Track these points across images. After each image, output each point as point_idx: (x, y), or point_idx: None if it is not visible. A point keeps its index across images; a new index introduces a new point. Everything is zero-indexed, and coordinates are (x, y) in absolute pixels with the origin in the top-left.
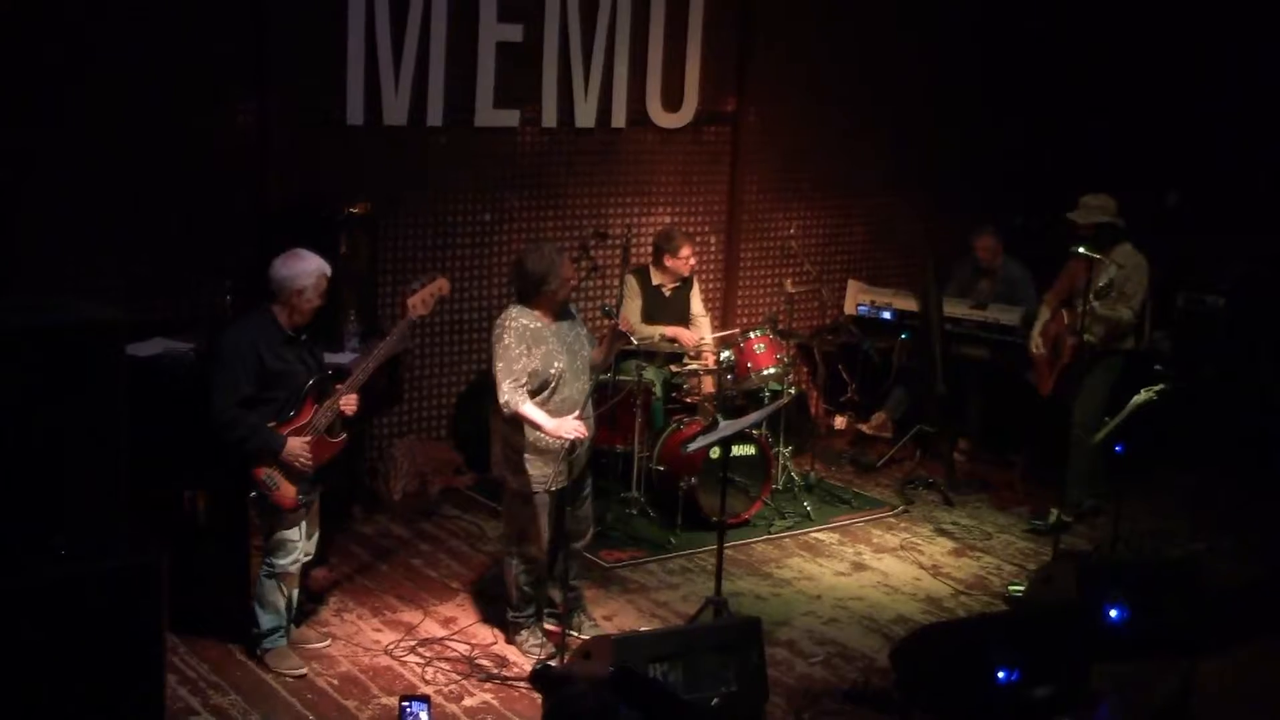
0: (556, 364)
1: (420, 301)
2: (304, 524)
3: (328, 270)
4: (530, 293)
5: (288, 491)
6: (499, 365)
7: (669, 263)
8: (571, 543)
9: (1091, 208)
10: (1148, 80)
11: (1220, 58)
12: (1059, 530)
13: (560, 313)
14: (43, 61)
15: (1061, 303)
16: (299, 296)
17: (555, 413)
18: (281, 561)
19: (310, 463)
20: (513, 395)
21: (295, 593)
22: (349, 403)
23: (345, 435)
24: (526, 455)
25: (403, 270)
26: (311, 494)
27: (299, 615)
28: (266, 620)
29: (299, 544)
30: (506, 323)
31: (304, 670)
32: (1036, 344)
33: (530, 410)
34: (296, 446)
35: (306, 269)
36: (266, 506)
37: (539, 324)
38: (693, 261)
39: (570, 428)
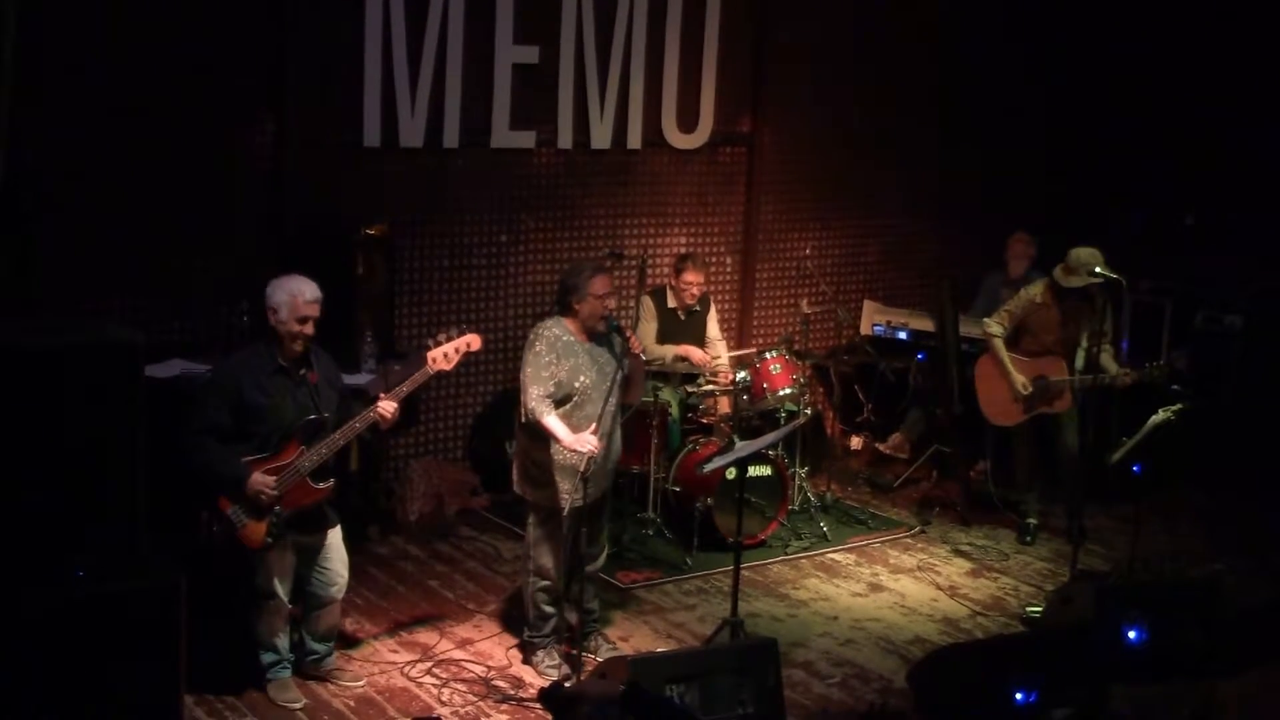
0: (582, 378)
1: (443, 355)
2: (279, 568)
3: (307, 294)
4: (563, 306)
5: (254, 531)
6: (527, 371)
7: (674, 282)
8: (585, 565)
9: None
10: (1165, 99)
11: (1239, 75)
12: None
13: (595, 334)
14: (62, 86)
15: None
16: (274, 317)
17: (576, 429)
18: (262, 601)
19: (274, 494)
20: (538, 404)
21: (325, 632)
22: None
23: (332, 483)
24: (550, 471)
25: (420, 291)
26: (292, 535)
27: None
28: (262, 655)
29: (275, 584)
30: (541, 330)
31: (301, 704)
32: (1024, 385)
33: (552, 421)
34: (259, 481)
35: (280, 288)
36: (232, 543)
37: (571, 337)
38: (695, 290)
39: (587, 443)
